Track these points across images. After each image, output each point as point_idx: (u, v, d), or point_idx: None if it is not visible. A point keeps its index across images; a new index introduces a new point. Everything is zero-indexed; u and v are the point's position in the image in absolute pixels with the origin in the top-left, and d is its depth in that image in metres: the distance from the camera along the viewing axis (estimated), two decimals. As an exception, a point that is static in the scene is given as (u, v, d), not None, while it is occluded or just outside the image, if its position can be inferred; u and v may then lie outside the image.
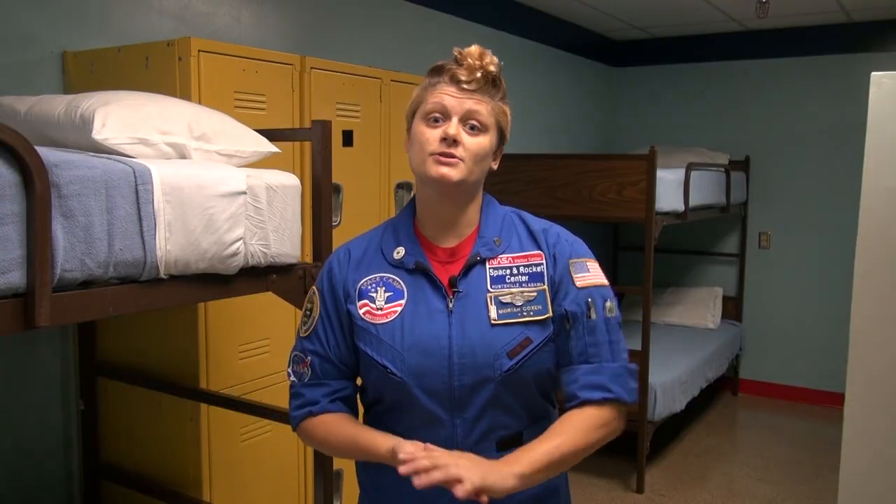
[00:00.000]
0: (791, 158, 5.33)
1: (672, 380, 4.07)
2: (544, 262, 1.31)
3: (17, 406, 2.35)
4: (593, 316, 1.30)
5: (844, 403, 2.35)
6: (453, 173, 1.25)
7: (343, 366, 1.35)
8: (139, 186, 1.50)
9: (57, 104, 1.74)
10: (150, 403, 2.37)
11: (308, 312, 1.38)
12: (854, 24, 5.01)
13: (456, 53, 1.30)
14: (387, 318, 1.29)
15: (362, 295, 1.32)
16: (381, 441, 1.25)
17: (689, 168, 4.12)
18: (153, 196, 1.52)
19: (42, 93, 2.01)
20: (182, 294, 1.66)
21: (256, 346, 2.43)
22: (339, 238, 2.28)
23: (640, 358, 3.78)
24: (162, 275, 1.56)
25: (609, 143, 5.88)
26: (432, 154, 1.26)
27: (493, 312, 1.26)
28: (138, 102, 1.73)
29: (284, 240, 1.83)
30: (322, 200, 1.98)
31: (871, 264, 2.29)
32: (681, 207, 4.01)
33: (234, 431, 2.36)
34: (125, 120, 1.64)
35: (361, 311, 1.31)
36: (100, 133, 1.59)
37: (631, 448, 3.96)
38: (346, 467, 2.72)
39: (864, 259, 2.31)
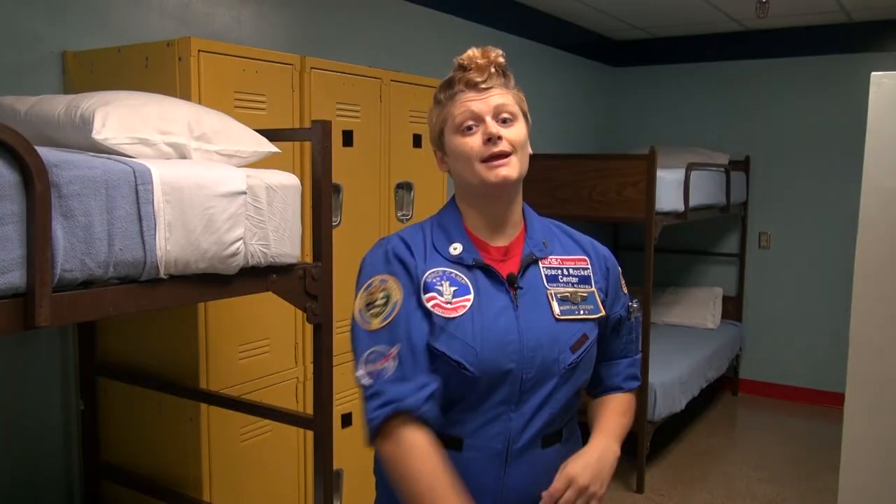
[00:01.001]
0: (791, 158, 5.33)
1: (672, 380, 4.07)
2: (590, 266, 1.39)
3: (17, 406, 2.35)
4: (632, 318, 1.45)
5: (844, 403, 2.35)
6: (511, 171, 1.28)
7: (423, 356, 1.25)
8: (139, 186, 1.50)
9: (57, 104, 1.74)
10: (150, 403, 2.37)
11: (383, 301, 1.27)
12: (854, 24, 5.01)
13: (459, 62, 1.32)
14: (457, 312, 1.26)
15: (428, 288, 1.28)
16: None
17: (689, 168, 4.12)
18: (153, 196, 1.52)
19: (42, 93, 2.01)
20: (182, 294, 1.66)
21: (256, 346, 2.43)
22: (339, 238, 2.28)
23: (640, 358, 3.78)
24: (162, 275, 1.56)
25: (609, 143, 5.88)
26: (483, 160, 1.27)
27: (556, 308, 1.31)
28: (138, 102, 1.73)
29: (284, 240, 1.83)
30: (322, 200, 1.98)
31: (871, 264, 2.29)
32: (681, 207, 4.01)
33: (234, 431, 2.36)
34: (125, 120, 1.64)
35: (430, 304, 1.26)
36: (100, 133, 1.59)
37: (631, 448, 3.96)
38: (347, 467, 2.72)
39: (864, 259, 2.30)
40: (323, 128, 1.96)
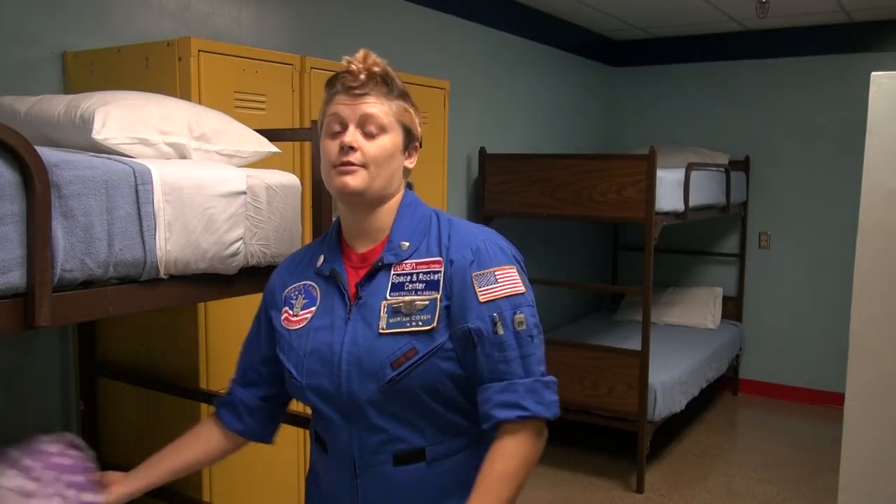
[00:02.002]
0: (791, 158, 5.33)
1: (672, 380, 4.07)
2: (443, 269, 1.26)
3: (17, 406, 2.35)
4: (500, 331, 1.22)
5: (844, 403, 2.35)
6: (353, 181, 1.25)
7: (255, 369, 1.44)
8: (139, 186, 1.50)
9: (57, 104, 1.73)
10: (150, 403, 2.37)
11: None
12: (854, 24, 5.02)
13: (344, 61, 1.29)
14: (299, 324, 1.33)
15: (285, 302, 1.38)
16: (147, 460, 1.45)
17: (689, 168, 4.12)
18: (153, 196, 1.52)
19: (42, 93, 2.01)
20: (182, 294, 1.66)
21: (256, 346, 2.43)
22: (339, 238, 2.27)
23: (640, 358, 3.79)
24: (162, 275, 1.56)
25: (609, 143, 5.88)
26: (334, 166, 1.26)
27: (384, 321, 1.25)
28: (138, 102, 1.73)
29: (284, 240, 1.83)
30: (322, 200, 1.98)
31: (871, 264, 2.29)
32: (681, 207, 4.01)
33: (234, 431, 2.36)
34: (125, 120, 1.64)
35: (281, 318, 1.37)
36: (100, 133, 1.59)
37: (631, 448, 3.97)
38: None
39: (864, 259, 2.30)
40: (323, 128, 1.96)
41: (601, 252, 5.89)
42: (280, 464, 2.54)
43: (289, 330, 1.35)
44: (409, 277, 1.27)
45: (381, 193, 1.29)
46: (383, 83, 1.28)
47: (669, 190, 3.88)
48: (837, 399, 4.24)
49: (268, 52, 2.43)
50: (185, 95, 2.13)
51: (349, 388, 1.25)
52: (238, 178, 1.70)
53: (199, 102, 2.10)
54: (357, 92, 1.26)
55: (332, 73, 1.34)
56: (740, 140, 5.44)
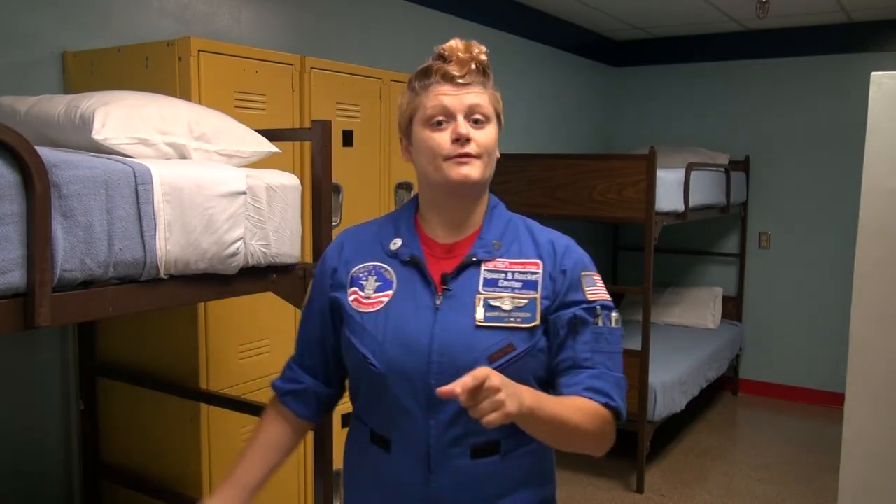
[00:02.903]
0: (791, 158, 5.33)
1: (672, 380, 4.07)
2: (541, 271, 1.28)
3: (17, 406, 2.35)
4: (600, 324, 1.28)
5: (844, 403, 2.35)
6: (474, 172, 1.24)
7: (312, 355, 1.40)
8: (139, 186, 1.50)
9: (57, 104, 1.74)
10: (150, 403, 2.37)
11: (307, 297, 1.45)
12: (854, 24, 5.02)
13: (440, 51, 1.27)
14: (373, 307, 1.28)
15: (353, 283, 1.31)
16: (237, 472, 1.38)
17: (689, 168, 4.12)
18: (153, 196, 1.52)
19: (42, 93, 2.01)
20: (182, 294, 1.66)
21: (256, 346, 2.43)
22: (339, 238, 2.27)
23: (640, 358, 3.78)
24: (162, 275, 1.56)
25: (609, 143, 5.88)
26: (448, 158, 1.24)
27: (480, 314, 1.24)
28: (138, 102, 1.73)
29: (284, 240, 1.83)
30: (322, 200, 1.98)
31: (871, 264, 2.29)
32: (681, 207, 4.01)
33: (234, 431, 2.36)
34: (125, 120, 1.64)
35: (350, 299, 1.30)
36: (100, 133, 1.59)
37: (631, 448, 3.96)
38: (346, 467, 2.72)
39: (864, 259, 2.30)
40: (323, 128, 1.96)
41: (601, 252, 5.88)
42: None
43: (360, 312, 1.29)
44: (503, 275, 1.27)
45: (487, 183, 1.31)
46: (483, 73, 1.28)
47: (669, 190, 3.88)
48: (837, 399, 4.24)
49: (268, 52, 2.43)
50: (185, 95, 2.13)
51: (438, 379, 1.20)
52: (238, 178, 1.70)
53: (199, 102, 2.10)
54: (461, 82, 1.24)
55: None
56: (740, 140, 5.44)
